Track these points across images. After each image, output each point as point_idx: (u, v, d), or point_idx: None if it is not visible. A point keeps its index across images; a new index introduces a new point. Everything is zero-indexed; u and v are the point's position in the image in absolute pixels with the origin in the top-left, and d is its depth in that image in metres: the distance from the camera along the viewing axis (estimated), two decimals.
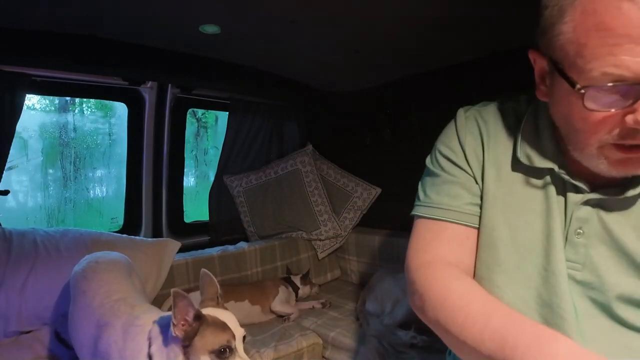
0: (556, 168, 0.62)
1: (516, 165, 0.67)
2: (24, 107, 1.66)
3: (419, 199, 0.76)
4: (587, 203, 0.61)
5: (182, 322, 0.88)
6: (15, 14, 1.44)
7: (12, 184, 1.99)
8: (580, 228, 0.61)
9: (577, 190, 0.61)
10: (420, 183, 0.78)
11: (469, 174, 0.71)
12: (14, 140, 1.65)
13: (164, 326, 0.95)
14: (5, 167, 1.65)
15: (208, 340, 0.88)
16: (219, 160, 2.45)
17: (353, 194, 2.57)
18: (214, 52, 1.94)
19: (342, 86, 2.57)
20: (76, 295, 1.20)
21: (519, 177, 0.67)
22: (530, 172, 0.66)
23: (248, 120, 2.47)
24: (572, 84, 0.50)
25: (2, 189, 1.73)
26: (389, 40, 1.74)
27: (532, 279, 0.64)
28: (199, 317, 0.89)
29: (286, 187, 2.53)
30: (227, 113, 2.40)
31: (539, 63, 0.58)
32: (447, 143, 0.74)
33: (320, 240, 2.50)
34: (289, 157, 2.60)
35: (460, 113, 0.75)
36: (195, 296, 1.80)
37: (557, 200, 0.63)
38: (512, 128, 0.69)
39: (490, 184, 0.69)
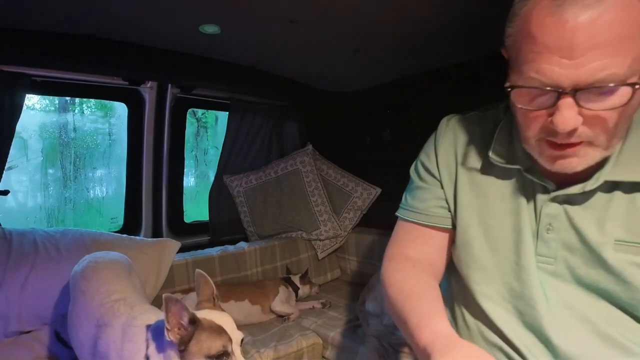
0: (522, 169, 0.67)
1: (489, 168, 0.72)
2: (24, 107, 1.66)
3: (401, 203, 0.85)
4: (554, 200, 0.65)
5: (176, 327, 0.87)
6: (15, 14, 1.43)
7: (12, 184, 1.99)
8: (550, 224, 0.66)
9: (545, 189, 0.66)
10: (406, 188, 0.87)
11: (437, 179, 0.79)
12: (14, 140, 1.65)
13: (161, 329, 0.94)
14: (5, 167, 1.65)
15: (204, 345, 0.87)
16: (219, 160, 2.45)
17: (353, 194, 2.57)
18: (214, 52, 1.94)
19: (342, 86, 2.57)
20: (76, 295, 1.20)
21: (491, 180, 0.72)
22: (503, 174, 0.71)
23: (248, 120, 2.47)
24: (506, 82, 0.57)
25: (2, 189, 1.73)
26: (389, 40, 1.74)
27: (506, 273, 0.70)
28: (193, 321, 0.87)
29: (286, 187, 2.53)
30: (227, 113, 2.40)
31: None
32: (426, 150, 0.82)
33: (320, 240, 2.50)
34: (289, 157, 2.60)
35: (443, 122, 0.82)
36: (194, 297, 1.81)
37: (526, 200, 0.68)
38: (489, 134, 0.73)
39: (464, 188, 0.75)
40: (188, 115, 2.31)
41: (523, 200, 0.68)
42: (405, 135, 2.38)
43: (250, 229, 2.53)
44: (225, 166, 2.48)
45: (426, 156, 0.81)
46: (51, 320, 1.54)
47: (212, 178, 2.51)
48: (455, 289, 0.82)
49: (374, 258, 2.39)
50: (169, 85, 2.10)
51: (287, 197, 2.51)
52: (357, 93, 2.60)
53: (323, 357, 1.82)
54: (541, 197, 0.67)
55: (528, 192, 0.68)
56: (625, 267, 0.59)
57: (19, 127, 1.66)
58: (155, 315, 1.04)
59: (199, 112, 2.70)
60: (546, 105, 0.54)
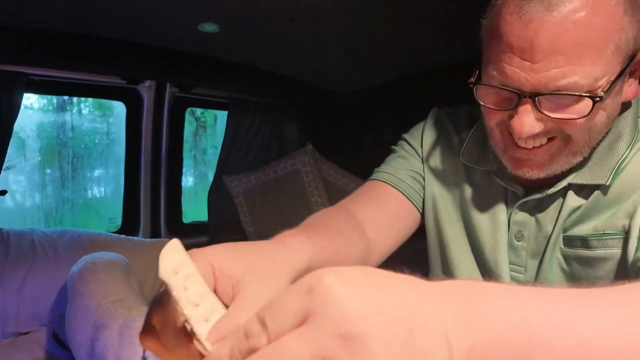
0: (492, 171, 0.63)
1: (469, 169, 0.69)
2: (22, 107, 1.65)
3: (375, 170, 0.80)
4: (522, 207, 0.62)
5: None
6: (13, 13, 1.43)
7: (10, 183, 1.98)
8: (519, 232, 0.63)
9: (514, 195, 0.63)
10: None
11: (418, 155, 0.75)
12: (11, 139, 1.65)
13: None
14: (3, 167, 1.64)
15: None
16: (218, 160, 2.44)
17: None
18: (213, 50, 1.94)
19: (342, 86, 2.56)
20: (73, 297, 1.19)
21: (473, 180, 0.69)
22: (482, 176, 0.67)
23: (247, 119, 2.46)
24: (471, 77, 0.55)
25: (0, 189, 1.72)
26: (389, 40, 1.74)
27: (482, 279, 0.67)
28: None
29: (286, 187, 2.51)
30: (226, 112, 2.39)
31: None
32: (412, 132, 0.79)
33: None
34: (288, 157, 2.59)
35: (433, 112, 0.79)
36: None
37: (500, 204, 0.65)
38: (467, 132, 0.71)
39: (441, 185, 0.72)
40: (187, 115, 2.30)
41: (499, 205, 0.65)
42: None
43: (250, 230, 2.51)
44: (225, 166, 2.46)
45: (411, 136, 0.78)
46: (49, 321, 1.53)
47: (211, 178, 2.50)
48: None
49: None
50: (168, 84, 2.09)
51: (286, 198, 2.50)
52: (357, 93, 2.59)
53: None
54: (512, 203, 0.64)
55: (501, 196, 0.65)
56: (572, 263, 0.59)
57: (16, 126, 1.66)
58: None
59: (198, 111, 2.69)
60: (507, 107, 0.52)
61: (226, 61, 2.06)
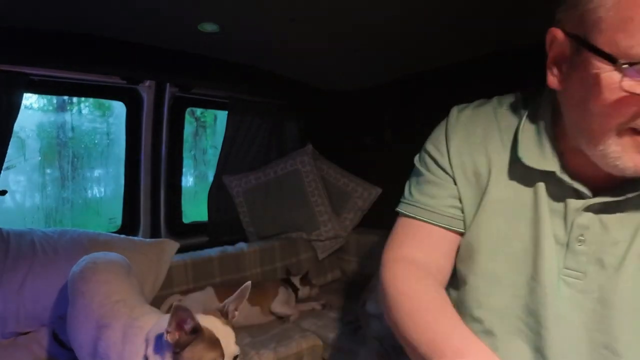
0: (557, 171, 0.58)
1: (509, 169, 0.64)
2: (22, 107, 1.65)
3: (403, 196, 0.76)
4: (588, 209, 0.57)
5: (177, 330, 0.88)
6: (13, 13, 1.42)
7: (10, 184, 1.98)
8: (581, 235, 0.58)
9: (578, 196, 0.58)
10: (408, 180, 0.78)
11: (450, 176, 0.69)
12: (11, 139, 1.65)
13: (160, 330, 0.95)
14: (3, 167, 1.64)
15: (196, 355, 0.89)
16: (218, 160, 2.44)
17: (353, 194, 2.56)
18: (213, 50, 1.93)
19: (342, 86, 2.56)
20: (75, 296, 1.19)
21: (510, 182, 0.64)
22: (524, 176, 0.63)
23: (247, 119, 2.45)
24: (613, 60, 0.45)
25: (0, 189, 1.72)
26: (389, 40, 1.74)
27: (519, 287, 0.63)
28: (196, 330, 0.89)
29: (286, 187, 2.51)
30: (226, 112, 2.38)
31: (558, 44, 0.53)
32: (434, 142, 0.72)
33: (320, 240, 2.48)
34: (288, 157, 2.59)
35: (453, 112, 0.72)
36: (193, 297, 1.80)
37: (550, 207, 0.60)
38: (508, 129, 0.65)
39: (478, 189, 0.67)
40: (187, 115, 2.30)
41: (545, 208, 0.60)
42: (406, 135, 2.37)
43: (250, 230, 2.51)
44: (225, 166, 2.46)
45: (435, 149, 0.71)
46: (49, 321, 1.53)
47: (211, 178, 2.50)
48: (453, 298, 0.73)
49: (374, 259, 2.37)
50: (168, 84, 2.09)
51: (286, 198, 2.50)
52: (357, 93, 2.60)
53: (323, 359, 1.81)
54: (573, 205, 0.58)
55: (554, 198, 0.60)
56: None
57: (16, 126, 1.65)
58: (155, 317, 1.04)
59: (198, 111, 2.69)
60: None
61: (226, 61, 2.06)
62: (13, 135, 1.65)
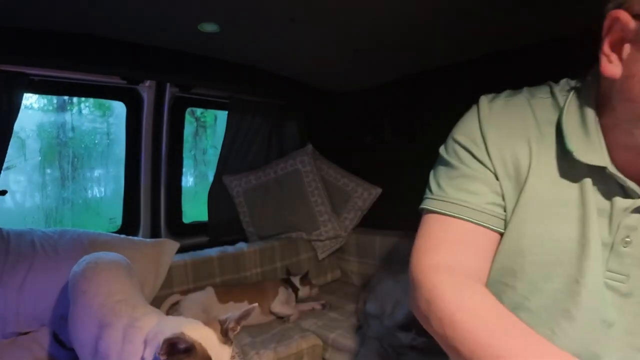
0: (609, 167, 0.54)
1: (551, 166, 0.59)
2: (22, 107, 1.65)
3: (430, 192, 0.68)
4: (637, 210, 0.54)
5: (169, 350, 0.86)
6: (13, 13, 1.43)
7: (10, 184, 1.98)
8: (628, 237, 0.55)
9: (626, 194, 0.54)
10: (432, 173, 0.70)
11: (490, 170, 0.63)
12: (11, 139, 1.64)
13: (159, 333, 0.94)
14: (3, 167, 1.64)
15: None
16: (218, 160, 2.44)
17: (353, 194, 2.56)
18: (213, 50, 1.93)
19: (342, 86, 2.56)
20: (76, 296, 1.19)
21: (554, 179, 0.59)
22: (569, 173, 0.58)
23: (247, 119, 2.46)
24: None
25: (0, 189, 1.72)
26: (389, 40, 1.74)
27: (561, 290, 0.58)
28: (189, 350, 0.86)
29: (286, 187, 2.51)
30: (227, 112, 2.38)
31: (618, 28, 0.49)
32: (466, 133, 0.65)
33: (320, 240, 2.48)
34: (288, 157, 2.59)
35: (484, 103, 0.66)
36: (193, 297, 1.80)
37: (597, 206, 0.56)
38: (547, 123, 0.60)
39: (520, 187, 0.61)
40: (187, 115, 2.30)
41: (592, 207, 0.56)
42: (406, 134, 2.38)
43: (250, 230, 2.51)
44: (225, 166, 2.47)
45: (469, 140, 0.64)
46: (49, 321, 1.53)
47: (211, 178, 2.50)
48: None
49: (374, 259, 2.38)
50: (168, 84, 2.09)
51: (286, 197, 2.50)
52: (357, 93, 2.59)
53: (323, 358, 1.81)
54: (621, 204, 0.55)
55: (602, 196, 0.56)
56: None
57: (16, 126, 1.65)
58: (156, 318, 1.04)
59: (198, 111, 2.69)
60: None
61: (226, 61, 2.06)
62: (13, 135, 1.65)
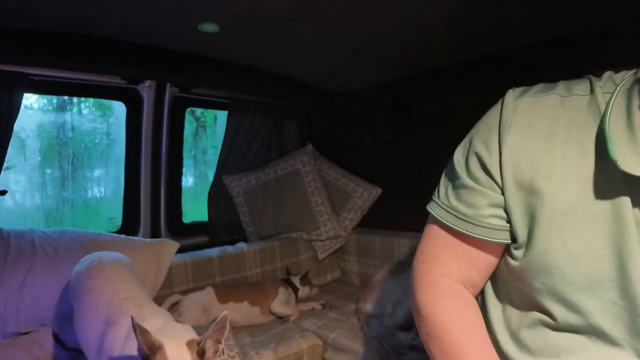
0: None
1: (582, 174, 0.53)
2: (22, 107, 1.65)
3: (437, 195, 0.67)
4: None
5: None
6: (13, 13, 1.43)
7: (10, 183, 1.98)
8: None
9: None
10: (444, 174, 0.68)
11: (495, 182, 0.59)
12: (11, 139, 1.65)
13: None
14: (3, 167, 1.64)
15: None
16: (218, 160, 2.44)
17: (353, 194, 2.56)
18: (213, 50, 1.94)
19: (342, 86, 2.57)
20: (81, 294, 1.19)
21: (584, 189, 0.53)
22: (601, 183, 0.52)
23: (247, 119, 2.46)
24: None
25: (0, 189, 1.72)
26: (389, 40, 1.74)
27: (599, 315, 0.53)
28: (153, 347, 0.83)
29: (286, 187, 2.52)
30: (227, 112, 2.39)
31: None
32: (484, 135, 0.61)
33: (320, 240, 2.49)
34: (288, 157, 2.59)
35: (510, 98, 0.60)
36: (193, 297, 1.80)
37: (636, 219, 0.50)
38: (582, 124, 0.54)
39: (541, 198, 0.55)
40: (187, 115, 2.31)
41: (631, 222, 0.50)
42: (406, 134, 2.38)
43: (250, 230, 2.52)
44: (225, 166, 2.47)
45: (483, 146, 0.60)
46: (49, 321, 1.53)
47: (211, 178, 2.50)
48: (509, 312, 0.65)
49: (374, 259, 2.38)
50: (168, 84, 2.09)
51: (287, 197, 2.50)
52: (357, 93, 2.59)
53: (323, 358, 1.81)
54: None
55: None
56: None
57: (16, 126, 1.66)
58: (162, 320, 1.03)
59: (198, 111, 2.69)
60: None
61: (226, 61, 2.06)
62: (13, 135, 1.65)
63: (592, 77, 0.57)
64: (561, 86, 0.58)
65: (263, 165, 2.59)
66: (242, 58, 2.06)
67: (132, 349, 0.96)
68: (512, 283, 0.63)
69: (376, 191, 2.53)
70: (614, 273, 0.51)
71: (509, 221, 0.60)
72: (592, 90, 0.55)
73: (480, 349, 0.60)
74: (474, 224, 0.61)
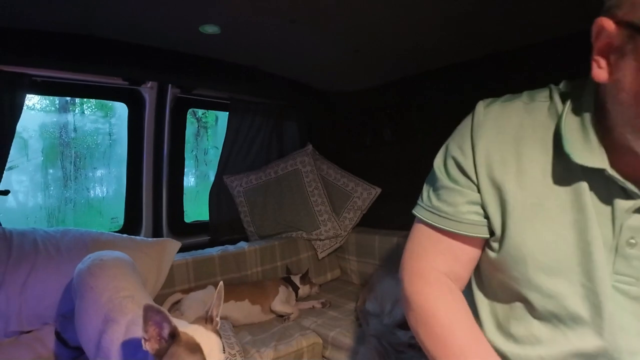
0: (608, 168, 0.54)
1: (546, 170, 0.60)
2: (24, 107, 1.66)
3: (421, 199, 0.73)
4: (639, 210, 0.54)
5: (156, 338, 0.83)
6: (16, 14, 1.44)
7: (13, 183, 1.99)
8: (632, 238, 0.55)
9: (627, 196, 0.54)
10: (426, 181, 0.75)
11: (472, 182, 0.66)
12: (14, 140, 1.65)
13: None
14: (6, 167, 1.65)
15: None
16: (219, 160, 2.46)
17: (353, 194, 2.57)
18: (214, 52, 1.94)
19: (342, 86, 2.57)
20: (83, 292, 1.20)
21: (548, 184, 0.59)
22: (563, 177, 0.58)
23: (248, 120, 2.47)
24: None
25: (3, 189, 1.73)
26: (389, 40, 1.74)
27: (568, 296, 0.58)
28: (173, 335, 0.83)
29: (286, 187, 2.53)
30: (227, 113, 2.40)
31: (605, 35, 0.50)
32: (458, 142, 0.68)
33: (320, 240, 2.50)
34: (289, 157, 2.60)
35: (480, 108, 0.67)
36: (194, 296, 1.81)
37: (596, 209, 0.56)
38: (544, 127, 0.61)
39: (512, 193, 0.61)
40: (188, 115, 2.31)
41: (590, 210, 0.56)
42: (406, 135, 2.39)
43: (250, 229, 2.53)
44: (226, 166, 2.48)
45: (459, 150, 0.67)
46: (52, 320, 1.54)
47: (212, 178, 2.51)
48: (495, 307, 0.71)
49: (374, 258, 2.39)
50: (169, 85, 2.10)
51: (287, 197, 2.52)
52: (357, 93, 2.60)
53: (323, 356, 1.82)
54: (622, 205, 0.55)
55: (600, 199, 0.56)
56: None
57: (19, 127, 1.66)
58: None
59: (199, 112, 2.70)
60: None
61: (227, 62, 2.06)
62: (16, 135, 1.66)
63: (552, 86, 0.64)
64: (525, 95, 0.66)
65: (263, 165, 2.60)
66: (242, 59, 2.07)
67: (129, 348, 0.97)
68: (494, 276, 0.69)
69: (376, 191, 2.54)
70: (581, 256, 0.57)
71: (486, 217, 0.66)
72: (551, 97, 0.63)
73: (466, 330, 0.63)
74: (455, 220, 0.67)
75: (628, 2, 0.47)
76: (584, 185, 0.57)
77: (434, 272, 0.69)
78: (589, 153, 0.55)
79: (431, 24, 1.55)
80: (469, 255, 0.70)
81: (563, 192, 0.58)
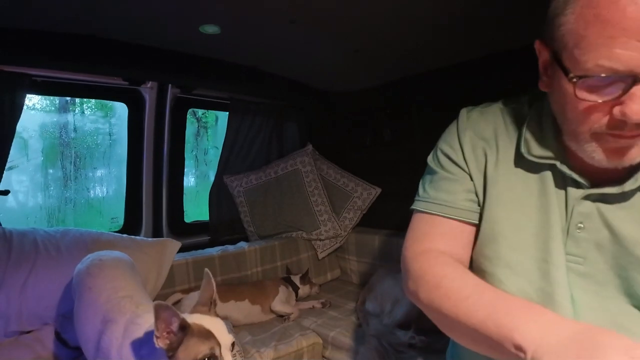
0: (558, 163, 0.64)
1: (517, 162, 0.70)
2: (24, 107, 1.66)
3: (418, 195, 0.80)
4: (587, 198, 0.62)
5: (166, 333, 0.86)
6: (15, 14, 1.44)
7: (13, 184, 1.99)
8: (581, 222, 0.63)
9: (578, 185, 0.63)
10: (421, 180, 0.82)
11: (465, 171, 0.75)
12: (14, 140, 1.65)
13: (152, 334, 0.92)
14: (6, 167, 1.65)
15: (191, 351, 0.85)
16: (219, 160, 2.46)
17: (353, 194, 2.57)
18: (214, 52, 1.94)
19: (342, 86, 2.57)
20: (82, 292, 1.20)
21: (519, 173, 0.69)
22: (531, 168, 0.68)
23: (248, 120, 2.47)
24: (566, 73, 0.53)
25: (3, 189, 1.73)
26: (389, 40, 1.74)
27: (532, 271, 0.66)
28: (184, 327, 0.86)
29: (286, 187, 2.53)
30: (227, 113, 2.40)
31: (543, 54, 0.60)
32: (448, 141, 0.77)
33: (320, 240, 2.50)
34: (289, 157, 2.60)
35: (463, 113, 0.78)
36: (195, 296, 1.81)
37: (556, 195, 0.66)
38: (515, 127, 0.72)
39: (492, 182, 0.71)
40: (188, 115, 2.32)
41: (552, 196, 0.65)
42: (405, 135, 2.39)
43: (250, 229, 2.53)
44: (226, 166, 2.48)
45: (449, 147, 0.76)
46: (52, 320, 1.54)
47: (212, 178, 2.51)
48: None
49: (374, 258, 2.40)
50: (169, 85, 2.10)
51: (287, 197, 2.52)
52: (357, 93, 2.60)
53: (323, 356, 1.82)
54: (573, 194, 0.64)
55: (559, 186, 0.66)
56: None
57: (19, 127, 1.66)
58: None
59: (199, 112, 2.70)
60: (614, 96, 0.50)
61: (227, 62, 2.06)
62: (16, 135, 1.66)
63: (523, 94, 0.75)
64: (501, 101, 0.77)
65: (263, 165, 2.60)
66: (242, 59, 2.07)
67: (128, 349, 0.97)
68: (475, 259, 0.76)
69: (376, 191, 2.54)
70: (544, 236, 0.65)
71: (479, 204, 0.74)
72: (522, 102, 0.74)
73: (478, 280, 0.65)
74: (452, 207, 0.74)
75: (549, 29, 0.56)
76: (548, 175, 0.67)
77: (436, 250, 0.73)
78: (544, 150, 0.65)
79: (431, 24, 1.55)
80: (468, 237, 0.75)
81: (532, 179, 0.68)
